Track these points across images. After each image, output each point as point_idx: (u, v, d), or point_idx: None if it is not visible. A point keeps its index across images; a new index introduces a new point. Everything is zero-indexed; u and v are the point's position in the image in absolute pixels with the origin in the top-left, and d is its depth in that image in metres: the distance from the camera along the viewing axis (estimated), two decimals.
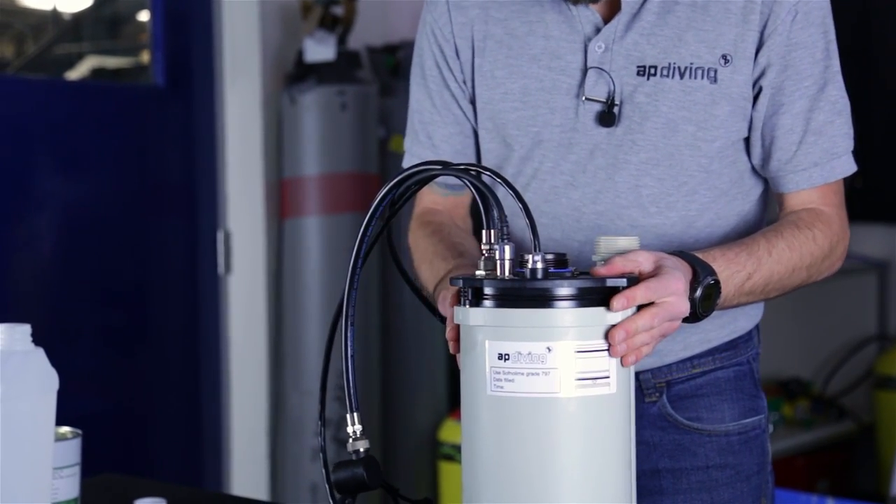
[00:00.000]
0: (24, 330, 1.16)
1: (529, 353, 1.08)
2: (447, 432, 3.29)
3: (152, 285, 3.17)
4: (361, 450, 1.18)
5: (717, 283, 1.25)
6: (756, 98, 1.43)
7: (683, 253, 1.27)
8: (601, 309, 1.09)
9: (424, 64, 1.55)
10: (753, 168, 1.49)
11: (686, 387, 1.49)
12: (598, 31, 1.43)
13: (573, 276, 1.11)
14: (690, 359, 1.49)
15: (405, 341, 3.41)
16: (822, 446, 4.02)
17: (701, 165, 1.43)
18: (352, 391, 1.18)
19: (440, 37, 1.52)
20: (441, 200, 1.59)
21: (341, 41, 3.27)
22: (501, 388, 1.09)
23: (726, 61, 1.41)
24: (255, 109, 3.23)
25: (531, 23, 1.46)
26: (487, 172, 1.18)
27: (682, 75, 1.41)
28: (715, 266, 1.27)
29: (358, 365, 3.48)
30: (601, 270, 1.13)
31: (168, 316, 3.20)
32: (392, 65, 3.43)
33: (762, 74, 1.42)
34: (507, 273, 1.11)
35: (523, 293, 1.09)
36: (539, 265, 1.09)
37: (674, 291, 1.16)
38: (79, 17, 3.41)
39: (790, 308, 4.24)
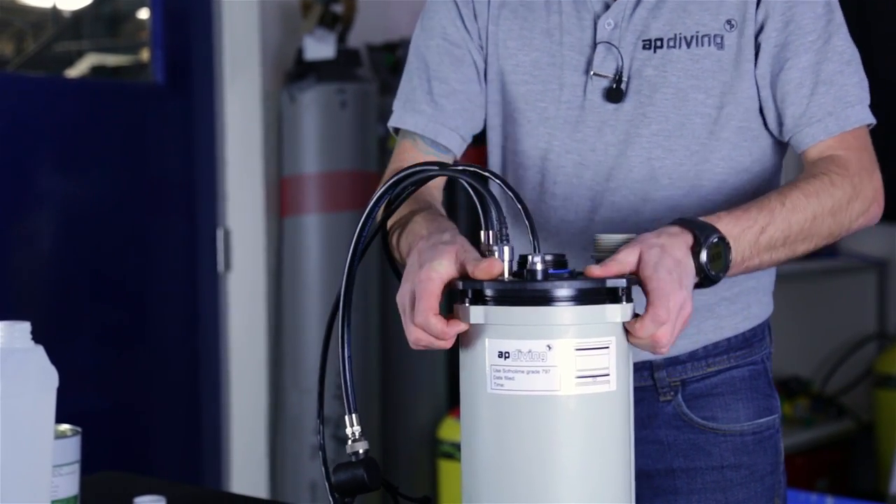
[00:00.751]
0: (24, 328, 1.16)
1: (530, 351, 1.08)
2: (447, 430, 3.29)
3: (152, 283, 3.17)
4: (361, 451, 1.18)
5: (723, 239, 1.20)
6: (757, 56, 1.42)
7: (683, 220, 1.22)
8: (601, 307, 1.09)
9: (436, 25, 1.51)
10: (776, 148, 1.47)
11: (701, 386, 1.48)
12: (607, 7, 1.44)
13: (572, 278, 1.10)
14: (705, 357, 1.48)
15: (405, 339, 3.40)
16: (821, 445, 4.02)
17: (712, 133, 1.43)
18: (349, 392, 1.18)
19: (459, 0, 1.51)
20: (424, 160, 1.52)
21: (341, 39, 3.27)
22: (501, 385, 1.09)
23: (731, 26, 1.41)
24: (255, 107, 3.23)
25: None
26: (486, 173, 1.18)
27: (688, 44, 1.41)
28: (720, 225, 1.22)
29: (358, 363, 3.49)
30: (597, 272, 1.11)
31: (168, 314, 3.20)
32: (392, 63, 3.43)
33: (761, 30, 1.41)
34: (506, 275, 1.11)
35: (523, 292, 1.09)
36: (538, 266, 1.09)
37: (666, 293, 1.11)
38: (79, 15, 3.41)
39: (790, 306, 4.24)
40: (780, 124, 1.43)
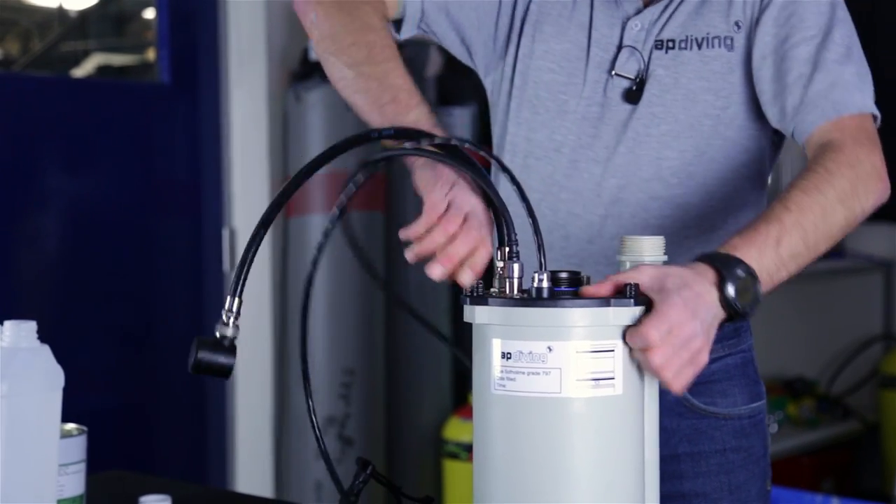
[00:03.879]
0: (30, 327, 1.17)
1: (530, 353, 1.07)
2: (452, 430, 3.29)
3: (157, 282, 3.17)
4: (230, 335, 1.15)
5: (749, 272, 1.17)
6: (755, 53, 1.43)
7: (705, 255, 1.19)
8: (604, 309, 1.08)
9: None
10: (770, 147, 1.49)
11: (700, 374, 1.49)
12: (637, 12, 1.47)
13: (578, 297, 1.09)
14: None
15: (410, 339, 3.41)
16: (826, 446, 4.01)
17: (718, 133, 1.45)
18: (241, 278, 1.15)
19: None
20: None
21: None
22: (504, 386, 1.09)
23: (738, 27, 1.44)
24: (261, 107, 3.23)
25: None
26: (488, 154, 1.18)
27: (699, 46, 1.44)
28: (739, 253, 1.19)
29: (363, 363, 3.46)
30: (590, 290, 1.09)
31: (173, 313, 3.20)
32: None
33: (758, 21, 1.42)
34: (515, 291, 1.11)
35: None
36: (545, 284, 1.09)
37: (674, 322, 1.09)
38: (85, 15, 3.42)
39: (796, 307, 4.23)
40: (781, 115, 1.43)
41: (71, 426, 1.38)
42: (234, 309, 1.16)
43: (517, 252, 1.13)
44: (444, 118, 3.51)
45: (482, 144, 1.26)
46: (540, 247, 1.13)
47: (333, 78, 1.46)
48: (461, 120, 3.50)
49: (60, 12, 3.38)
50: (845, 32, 1.43)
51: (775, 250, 1.24)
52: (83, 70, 3.30)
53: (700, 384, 1.49)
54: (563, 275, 1.12)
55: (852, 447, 4.16)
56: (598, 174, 1.46)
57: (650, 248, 1.18)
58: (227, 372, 1.13)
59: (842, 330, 4.34)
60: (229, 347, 1.14)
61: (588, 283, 1.12)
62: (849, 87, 1.40)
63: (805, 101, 1.40)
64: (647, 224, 1.46)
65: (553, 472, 1.08)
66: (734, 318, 1.16)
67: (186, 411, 3.23)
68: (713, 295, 1.14)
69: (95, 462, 1.45)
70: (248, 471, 3.27)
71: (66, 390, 1.19)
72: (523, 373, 1.08)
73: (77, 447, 1.37)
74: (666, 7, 1.46)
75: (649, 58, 1.45)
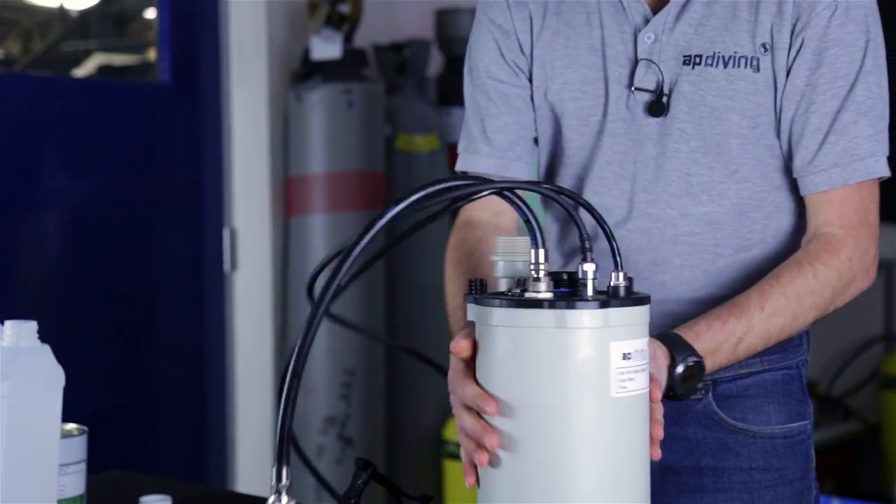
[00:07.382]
0: (31, 327, 1.16)
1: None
2: (452, 430, 3.29)
3: (158, 282, 3.17)
4: None
5: (699, 362, 1.27)
6: (784, 90, 1.43)
7: (664, 335, 1.27)
8: (606, 311, 1.06)
9: (479, 63, 1.54)
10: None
11: (732, 387, 1.47)
12: (647, 21, 1.45)
13: (578, 297, 1.08)
14: None
15: (410, 338, 3.41)
16: (827, 446, 4.01)
17: (749, 153, 1.44)
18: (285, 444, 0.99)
19: (498, 33, 1.52)
20: (489, 201, 1.47)
21: (348, 39, 3.27)
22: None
23: (765, 50, 1.42)
24: (262, 107, 3.24)
25: (588, 13, 1.48)
26: (544, 187, 1.13)
27: (725, 64, 1.42)
28: (699, 344, 1.28)
29: (364, 362, 3.45)
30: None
31: (174, 313, 3.20)
32: (398, 63, 3.43)
33: (791, 68, 1.42)
34: (590, 292, 1.09)
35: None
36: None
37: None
38: (86, 15, 3.42)
39: None
40: (789, 160, 1.45)
41: (71, 426, 1.38)
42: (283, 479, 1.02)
43: (590, 248, 1.10)
44: (444, 118, 3.52)
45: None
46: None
47: None
48: (461, 120, 3.50)
49: (61, 12, 3.38)
50: (871, 83, 1.41)
51: (734, 349, 1.33)
52: (84, 70, 3.31)
53: (731, 398, 1.47)
54: (563, 277, 1.11)
55: (853, 448, 4.16)
56: (627, 190, 1.46)
57: (524, 248, 1.15)
58: None
59: (842, 331, 4.34)
60: None
61: None
62: (861, 153, 1.41)
63: (815, 161, 1.42)
64: (676, 240, 1.46)
65: (556, 473, 1.08)
66: (668, 396, 1.25)
67: (187, 411, 3.23)
68: (663, 374, 1.24)
69: (96, 462, 1.45)
70: (248, 471, 3.27)
71: (66, 390, 1.19)
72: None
73: (77, 447, 1.37)
74: (679, 17, 1.44)
75: (672, 71, 1.43)
